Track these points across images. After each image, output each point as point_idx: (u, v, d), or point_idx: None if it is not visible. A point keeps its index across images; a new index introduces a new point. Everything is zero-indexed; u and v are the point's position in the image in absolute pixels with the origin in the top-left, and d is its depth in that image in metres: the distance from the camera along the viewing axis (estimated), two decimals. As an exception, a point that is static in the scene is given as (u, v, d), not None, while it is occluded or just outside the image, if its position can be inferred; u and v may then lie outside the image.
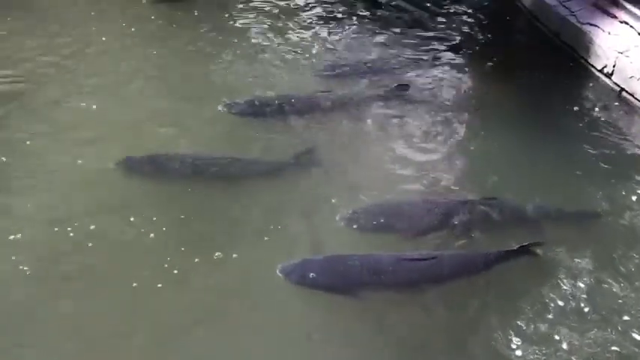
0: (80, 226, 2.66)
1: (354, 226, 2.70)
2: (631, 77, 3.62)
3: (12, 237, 2.62)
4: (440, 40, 4.31)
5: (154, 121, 3.30)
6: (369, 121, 3.43)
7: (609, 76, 3.78)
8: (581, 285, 2.43)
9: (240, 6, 4.72)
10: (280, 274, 2.42)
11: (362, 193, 2.85)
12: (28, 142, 3.15)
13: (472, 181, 2.99)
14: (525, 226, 2.69)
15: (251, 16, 4.58)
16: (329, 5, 4.80)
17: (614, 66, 3.73)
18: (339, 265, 2.52)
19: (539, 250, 2.55)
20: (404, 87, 3.69)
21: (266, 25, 4.44)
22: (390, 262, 2.50)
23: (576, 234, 2.68)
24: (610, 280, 2.45)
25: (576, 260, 2.52)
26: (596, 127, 3.45)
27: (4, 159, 3.07)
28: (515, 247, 2.51)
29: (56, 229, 2.64)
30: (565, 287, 2.42)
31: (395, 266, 2.48)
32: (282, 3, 4.78)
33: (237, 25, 4.48)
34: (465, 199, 2.78)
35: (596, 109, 3.64)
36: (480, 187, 2.92)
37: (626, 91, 3.67)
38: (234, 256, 2.53)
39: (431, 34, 4.40)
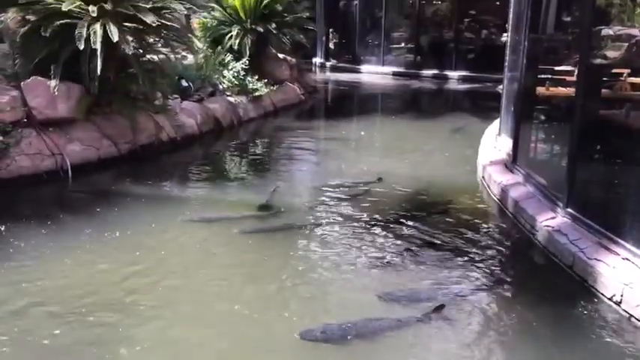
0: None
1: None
2: (637, 305, 4.26)
3: None
4: (463, 268, 5.09)
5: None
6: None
7: (618, 304, 4.41)
8: None
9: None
10: None
11: None
12: None
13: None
14: None
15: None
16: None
17: (621, 295, 4.39)
18: None
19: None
20: (440, 307, 4.38)
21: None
22: None
23: None
24: None
25: None
26: (608, 347, 4.01)
27: None
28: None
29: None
30: None
31: None
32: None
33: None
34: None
35: (609, 332, 4.22)
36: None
37: (635, 317, 4.27)
38: None
39: (455, 263, 5.20)
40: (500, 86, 8.78)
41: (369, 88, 18.71)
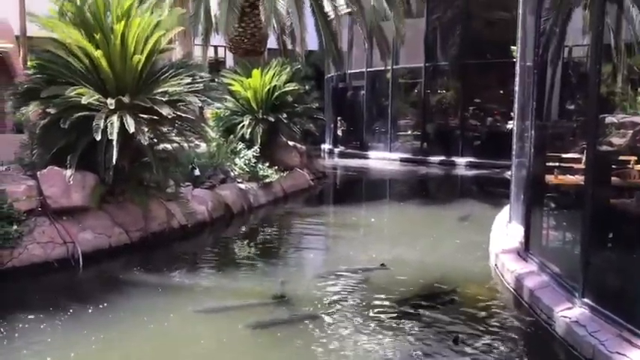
0: None
1: None
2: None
3: None
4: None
5: None
6: None
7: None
8: None
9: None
10: None
11: None
12: None
13: None
14: None
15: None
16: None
17: (647, 391, 4.21)
18: None
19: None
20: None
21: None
22: None
23: None
24: None
25: None
26: None
27: None
28: None
29: None
30: None
31: None
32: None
33: None
34: None
35: None
36: None
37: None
38: None
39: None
40: (509, 172, 8.88)
41: (377, 174, 18.95)
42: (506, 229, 8.25)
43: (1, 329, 5.29)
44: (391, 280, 6.98)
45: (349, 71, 23.92)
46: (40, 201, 7.53)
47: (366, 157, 22.01)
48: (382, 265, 7.43)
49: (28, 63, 10.57)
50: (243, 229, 10.42)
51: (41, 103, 7.74)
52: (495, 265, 7.35)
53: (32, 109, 7.85)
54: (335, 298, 6.38)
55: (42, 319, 5.53)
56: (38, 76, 8.27)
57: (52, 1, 9.06)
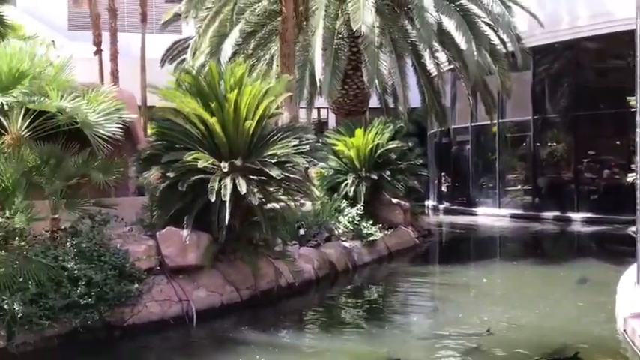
0: None
1: None
2: None
3: None
4: None
5: None
6: None
7: None
8: None
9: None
10: None
11: None
12: None
13: None
14: None
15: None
16: None
17: None
18: None
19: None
20: None
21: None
22: None
23: None
24: None
25: None
26: None
27: None
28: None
29: None
30: None
31: None
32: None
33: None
34: None
35: None
36: None
37: None
38: None
39: None
40: (633, 228, 8.24)
41: (486, 231, 18.28)
42: (633, 290, 7.60)
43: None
44: (506, 346, 6.59)
45: (453, 126, 23.67)
46: (159, 260, 7.96)
47: (472, 214, 21.35)
48: (488, 331, 7.03)
49: (149, 131, 11.46)
50: (348, 287, 10.37)
51: (161, 168, 8.29)
52: (624, 330, 6.75)
53: (153, 174, 8.42)
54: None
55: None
56: (159, 142, 8.91)
57: (170, 74, 9.86)
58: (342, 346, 6.85)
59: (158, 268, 7.91)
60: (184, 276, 7.99)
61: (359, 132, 13.38)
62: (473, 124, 22.38)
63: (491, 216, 20.49)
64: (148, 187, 9.07)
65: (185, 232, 7.96)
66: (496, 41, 16.88)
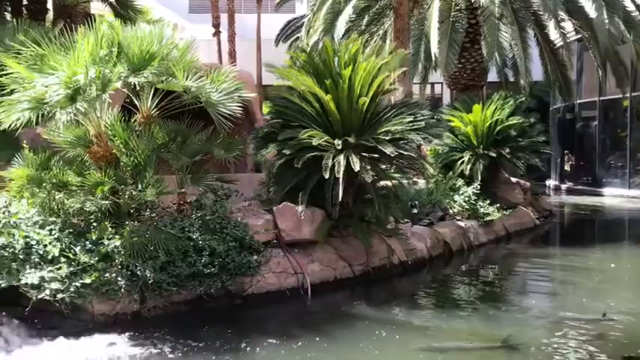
0: None
1: None
2: None
3: None
4: None
5: None
6: None
7: None
8: None
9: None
10: None
11: None
12: None
13: None
14: None
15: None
16: None
17: None
18: None
19: None
20: None
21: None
22: None
23: None
24: None
25: None
26: None
27: None
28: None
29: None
30: None
31: None
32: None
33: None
34: None
35: None
36: None
37: None
38: None
39: None
40: None
41: (614, 213, 17.07)
42: None
43: (248, 348, 5.84)
44: (633, 335, 6.15)
45: (578, 101, 22.17)
46: (276, 234, 8.23)
47: (598, 194, 20.00)
48: (604, 315, 6.58)
49: (263, 109, 11.80)
50: (463, 268, 10.14)
51: (277, 145, 8.52)
52: None
53: (270, 151, 8.68)
54: (566, 348, 5.82)
55: (278, 344, 5.97)
56: (275, 120, 9.15)
57: (285, 53, 10.04)
58: (457, 325, 6.73)
59: (275, 241, 8.19)
60: (299, 250, 8.21)
61: (477, 107, 12.92)
62: (601, 98, 20.81)
63: (620, 197, 19.07)
64: (265, 163, 9.39)
65: (300, 208, 8.16)
66: (631, 7, 15.49)
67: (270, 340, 6.05)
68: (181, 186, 7.87)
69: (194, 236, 7.31)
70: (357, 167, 7.77)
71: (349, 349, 5.86)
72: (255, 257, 7.60)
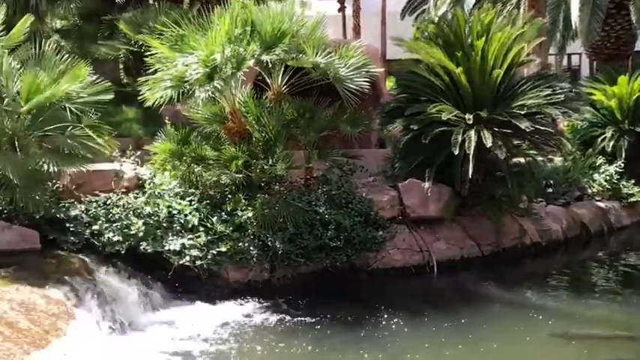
0: None
1: None
2: None
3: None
4: None
5: None
6: None
7: None
8: None
9: None
10: None
11: None
12: None
13: None
14: None
15: None
16: None
17: None
18: None
19: None
20: None
21: None
22: None
23: None
24: None
25: None
26: None
27: None
28: None
29: None
30: None
31: None
32: None
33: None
34: None
35: None
36: None
37: None
38: None
39: None
40: None
41: None
42: None
43: (377, 322, 5.89)
44: None
45: None
46: (401, 210, 8.16)
47: None
48: None
49: (387, 84, 11.64)
50: (602, 252, 9.47)
51: (404, 120, 8.39)
52: None
53: (396, 126, 8.57)
54: None
55: (405, 320, 5.96)
56: (402, 95, 9.01)
57: (413, 25, 9.81)
58: (595, 312, 6.32)
59: (400, 217, 8.13)
60: (425, 227, 8.09)
61: (622, 79, 11.84)
62: None
63: None
64: (391, 139, 9.29)
65: (427, 184, 8.01)
66: None
67: (399, 315, 6.05)
68: (309, 161, 8.03)
69: (320, 210, 7.45)
70: (489, 143, 7.47)
71: (478, 330, 5.71)
72: (380, 233, 7.61)
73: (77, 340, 4.80)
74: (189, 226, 6.89)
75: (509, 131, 7.98)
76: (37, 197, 6.26)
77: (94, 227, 6.51)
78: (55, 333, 4.74)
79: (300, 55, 7.27)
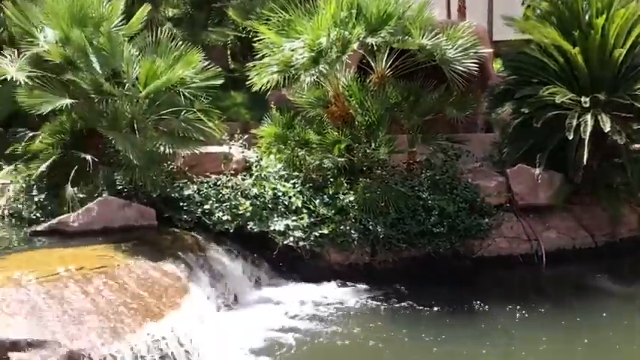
0: None
1: None
2: None
3: None
4: None
5: None
6: None
7: None
8: None
9: None
10: None
11: None
12: None
13: None
14: None
15: None
16: None
17: None
18: None
19: None
20: None
21: None
22: None
23: None
24: None
25: None
26: None
27: None
28: None
29: None
30: None
31: None
32: None
33: None
34: None
35: None
36: None
37: None
38: None
39: None
40: None
41: None
42: None
43: (483, 310, 5.73)
44: None
45: None
46: (508, 197, 7.85)
47: None
48: None
49: (493, 66, 11.15)
50: None
51: (514, 104, 8.04)
52: None
53: (505, 110, 8.22)
54: None
55: (514, 310, 5.77)
56: (512, 77, 8.62)
57: (524, 3, 9.33)
58: None
59: (507, 205, 7.82)
60: (534, 215, 7.74)
61: None
62: None
63: None
64: (499, 123, 8.93)
65: (537, 171, 7.64)
66: None
67: (506, 305, 5.88)
68: (412, 145, 7.92)
69: (423, 195, 7.34)
70: (607, 127, 6.99)
71: (593, 325, 5.40)
72: (485, 220, 7.38)
73: (190, 313, 5.06)
74: (293, 207, 7.04)
75: (629, 115, 7.42)
76: (154, 177, 6.66)
77: (206, 206, 6.83)
78: (170, 306, 5.02)
79: (406, 37, 7.16)
